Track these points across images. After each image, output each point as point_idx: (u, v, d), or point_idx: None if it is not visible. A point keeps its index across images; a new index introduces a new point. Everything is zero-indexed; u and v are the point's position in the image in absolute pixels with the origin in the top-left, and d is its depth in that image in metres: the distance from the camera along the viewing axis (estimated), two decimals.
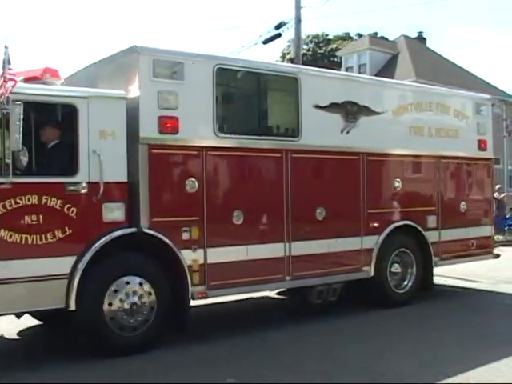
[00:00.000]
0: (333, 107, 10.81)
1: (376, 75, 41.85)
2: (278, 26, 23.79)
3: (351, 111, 11.07)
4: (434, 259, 12.35)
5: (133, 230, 8.63)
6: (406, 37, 47.16)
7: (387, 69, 42.41)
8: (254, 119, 10.44)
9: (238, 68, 10.04)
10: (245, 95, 10.73)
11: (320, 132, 10.66)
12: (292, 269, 10.19)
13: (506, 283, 14.81)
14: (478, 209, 13.57)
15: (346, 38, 64.53)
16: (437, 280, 13.15)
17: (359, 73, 42.83)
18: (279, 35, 23.87)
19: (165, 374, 7.62)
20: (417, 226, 12.01)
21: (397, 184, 11.76)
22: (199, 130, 9.34)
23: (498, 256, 13.94)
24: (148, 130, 8.76)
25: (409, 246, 12.03)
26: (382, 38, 51.16)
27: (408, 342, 9.20)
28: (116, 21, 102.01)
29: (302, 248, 10.30)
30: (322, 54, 62.46)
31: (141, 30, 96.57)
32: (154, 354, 8.44)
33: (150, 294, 8.68)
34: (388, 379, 7.33)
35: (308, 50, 61.16)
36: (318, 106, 10.62)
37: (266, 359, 8.32)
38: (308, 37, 61.83)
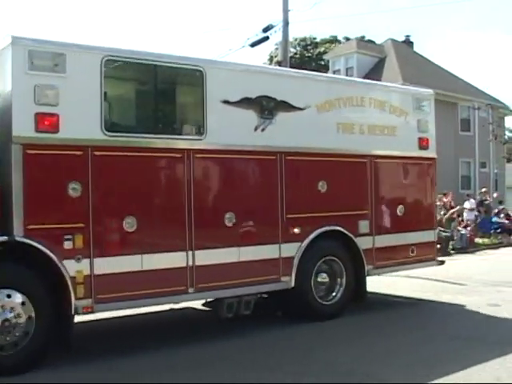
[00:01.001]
0: (245, 103, 9.81)
1: (363, 78, 41.24)
2: (266, 29, 23.62)
3: (267, 107, 10.05)
4: (367, 268, 11.39)
5: (4, 238, 7.78)
6: (394, 40, 46.58)
7: (374, 72, 41.79)
8: (149, 116, 9.57)
9: (131, 60, 8.98)
10: (140, 90, 9.82)
11: (229, 130, 9.70)
12: (196, 280, 9.22)
13: (490, 286, 14.98)
14: (419, 212, 12.62)
15: (334, 41, 64.02)
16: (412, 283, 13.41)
17: (346, 76, 42.21)
18: (267, 38, 23.71)
19: None
20: (346, 231, 11.06)
21: (322, 186, 10.79)
22: (84, 128, 8.37)
23: (442, 263, 13.16)
24: (22, 128, 7.88)
25: (338, 253, 11.11)
26: (370, 41, 50.72)
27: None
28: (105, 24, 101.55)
29: (207, 257, 9.33)
30: (310, 57, 61.99)
31: (129, 33, 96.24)
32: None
33: (25, 308, 7.89)
34: None
35: (296, 53, 60.65)
36: (227, 102, 9.63)
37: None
38: (296, 40, 61.39)
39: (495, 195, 31.31)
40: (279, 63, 23.47)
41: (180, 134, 9.39)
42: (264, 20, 53.29)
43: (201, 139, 9.39)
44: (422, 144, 12.53)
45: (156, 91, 9.43)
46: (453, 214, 26.71)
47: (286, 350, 9.06)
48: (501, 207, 30.53)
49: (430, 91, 13.56)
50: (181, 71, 9.57)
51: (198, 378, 7.61)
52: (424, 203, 12.83)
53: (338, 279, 11.13)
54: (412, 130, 12.36)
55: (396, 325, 10.88)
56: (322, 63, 52.79)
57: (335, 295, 11.10)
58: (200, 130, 9.43)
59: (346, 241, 11.13)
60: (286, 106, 10.31)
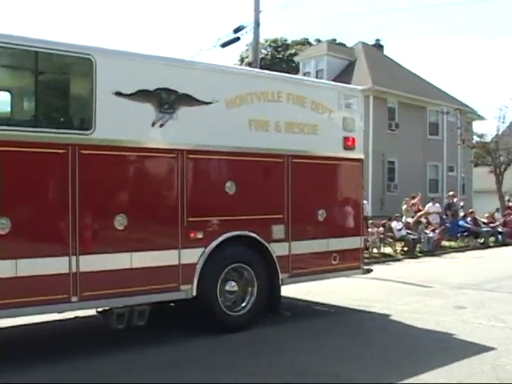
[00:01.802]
0: (141, 95, 8.95)
1: (333, 81, 40.77)
2: (237, 30, 23.51)
3: (167, 100, 9.19)
4: (282, 276, 10.58)
5: None
6: (364, 44, 46.31)
7: (344, 75, 41.39)
8: (27, 107, 8.77)
9: (8, 46, 8.04)
10: (20, 78, 8.97)
11: (122, 124, 8.87)
12: (80, 288, 8.39)
13: (457, 288, 15.22)
14: (343, 217, 11.90)
15: (305, 43, 63.74)
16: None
17: (317, 78, 41.79)
18: (238, 39, 23.51)
19: None
20: (258, 236, 10.25)
21: (230, 187, 9.95)
22: None
23: (369, 271, 12.55)
24: None
25: (248, 260, 10.26)
26: (340, 44, 50.26)
27: None
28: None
29: (94, 263, 8.49)
30: (281, 58, 61.69)
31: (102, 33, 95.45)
32: None
33: None
34: None
35: (266, 55, 60.43)
36: (120, 94, 8.78)
37: None
38: (267, 41, 61.16)
39: (455, 199, 30.95)
40: (250, 64, 23.28)
41: (64, 128, 8.48)
42: (238, 20, 52.62)
43: (88, 134, 8.55)
44: (348, 144, 11.75)
45: (38, 80, 8.41)
46: (420, 216, 26.44)
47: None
48: (469, 211, 30.27)
49: (359, 87, 12.90)
50: (67, 59, 8.66)
51: None
52: (349, 207, 12.04)
53: (249, 288, 10.32)
54: (336, 129, 11.59)
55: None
56: (293, 65, 52.22)
57: (245, 305, 10.28)
58: (88, 123, 8.58)
59: (259, 247, 10.33)
60: (190, 100, 9.48)
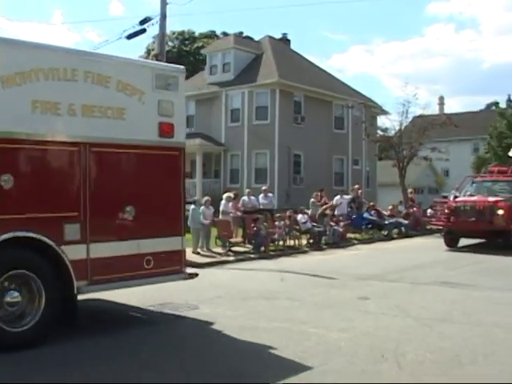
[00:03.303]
0: None
1: (240, 74, 40.82)
2: (143, 22, 23.03)
3: None
4: (79, 284, 9.04)
5: None
6: (271, 37, 46.39)
7: (251, 68, 41.50)
8: None
9: None
10: None
11: None
12: None
13: (361, 280, 15.42)
14: (158, 214, 10.30)
15: (212, 36, 63.58)
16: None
17: (223, 72, 41.68)
18: (144, 31, 23.05)
19: None
20: (44, 238, 8.71)
21: (7, 181, 8.43)
22: None
23: (193, 276, 10.98)
24: None
25: (33, 266, 8.68)
26: (247, 37, 50.12)
27: None
28: None
29: None
30: (188, 51, 61.34)
31: None
32: None
33: None
34: None
35: (174, 47, 59.95)
36: None
37: None
38: (174, 34, 60.73)
39: (360, 192, 31.45)
40: (156, 56, 22.84)
41: None
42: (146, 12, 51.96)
43: None
44: (164, 130, 10.28)
45: None
46: (325, 209, 26.70)
47: None
48: (371, 203, 30.75)
49: (180, 67, 11.15)
50: None
51: None
52: (166, 203, 10.50)
53: (37, 299, 8.77)
54: (150, 113, 10.11)
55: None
56: (200, 58, 51.90)
57: (31, 319, 8.69)
58: None
59: (47, 250, 8.81)
60: None
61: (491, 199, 22.57)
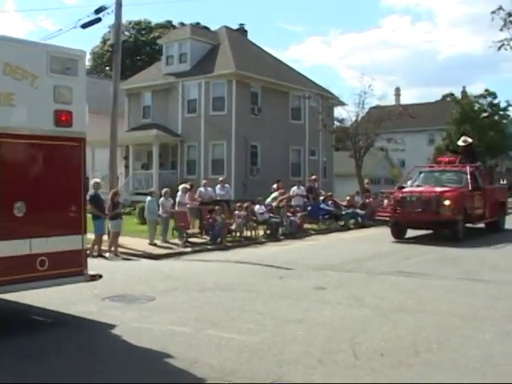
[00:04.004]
0: None
1: (197, 65, 40.58)
2: (98, 11, 22.44)
3: None
4: None
5: None
6: (228, 28, 46.13)
7: (208, 59, 41.19)
8: None
9: None
10: None
11: None
12: None
13: (317, 270, 15.47)
14: (54, 211, 9.48)
15: (169, 26, 63.21)
16: None
17: (180, 62, 41.40)
18: (99, 20, 22.41)
19: None
20: None
21: None
22: None
23: (95, 278, 10.17)
24: None
25: None
26: (204, 28, 49.92)
27: None
28: None
29: None
30: (144, 41, 60.90)
31: None
32: None
33: None
34: None
35: (130, 37, 59.46)
36: None
37: None
38: (130, 23, 60.22)
39: (316, 184, 31.59)
40: (112, 46, 22.55)
41: None
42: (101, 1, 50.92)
43: None
44: (62, 119, 9.38)
45: None
46: (282, 200, 26.69)
47: None
48: (328, 194, 30.86)
49: (81, 49, 10.19)
50: None
51: None
52: (64, 199, 9.67)
53: None
54: (44, 100, 9.23)
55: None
56: (156, 48, 51.52)
57: None
58: None
59: None
60: None
61: (438, 189, 22.31)
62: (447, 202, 21.46)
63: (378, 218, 25.41)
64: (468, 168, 23.57)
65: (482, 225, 24.57)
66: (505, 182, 29.96)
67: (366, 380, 7.14)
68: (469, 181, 22.86)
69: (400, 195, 22.79)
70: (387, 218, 23.30)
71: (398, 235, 22.91)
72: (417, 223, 22.54)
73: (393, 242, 22.03)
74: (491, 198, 24.67)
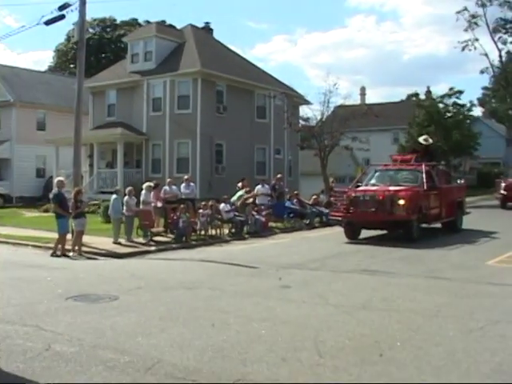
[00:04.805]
0: None
1: (162, 63, 40.38)
2: (62, 7, 22.15)
3: None
4: None
5: None
6: (193, 26, 46.06)
7: (173, 57, 41.05)
8: None
9: None
10: None
11: None
12: None
13: (282, 268, 15.44)
14: None
15: (134, 24, 62.81)
16: None
17: (145, 60, 41.16)
18: (63, 17, 22.08)
19: None
20: None
21: None
22: None
23: None
24: None
25: None
26: (170, 26, 49.73)
27: None
28: None
29: None
30: (109, 39, 60.40)
31: None
32: None
33: None
34: None
35: (94, 34, 58.92)
36: None
37: None
38: (95, 20, 59.67)
39: (282, 182, 31.66)
40: (76, 43, 22.35)
41: None
42: None
43: None
44: None
45: None
46: (247, 198, 26.68)
47: None
48: (294, 192, 30.92)
49: None
50: None
51: None
52: None
53: None
54: None
55: None
56: (121, 46, 51.16)
57: None
58: None
59: None
60: None
61: (392, 189, 21.63)
62: (401, 202, 20.79)
63: (331, 218, 25.20)
64: (424, 167, 23.02)
65: (438, 225, 24.09)
66: (462, 181, 29.84)
67: (328, 378, 7.13)
68: (424, 180, 22.33)
69: (353, 194, 22.16)
70: (340, 218, 22.72)
71: (352, 236, 22.29)
72: (370, 223, 21.92)
73: (358, 241, 21.98)
74: (448, 198, 24.18)
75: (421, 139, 27.85)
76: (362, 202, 21.58)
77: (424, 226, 22.50)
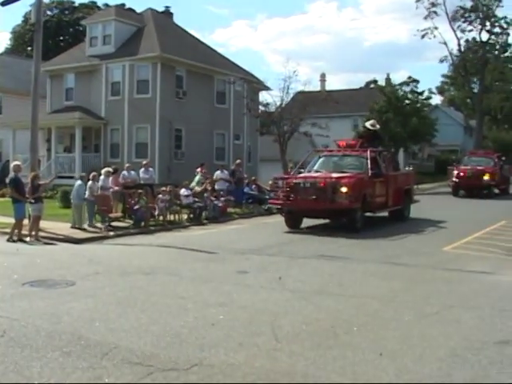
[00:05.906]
0: None
1: (121, 47, 39.99)
2: None
3: None
4: None
5: None
6: (153, 10, 45.66)
7: (132, 41, 40.66)
8: None
9: None
10: None
11: None
12: None
13: (240, 254, 15.58)
14: None
15: (93, 7, 62.14)
16: None
17: (104, 44, 40.72)
18: None
19: None
20: None
21: None
22: None
23: None
24: None
25: None
26: (129, 9, 49.19)
27: None
28: None
29: None
30: (67, 21, 59.67)
31: None
32: None
33: None
34: None
35: (52, 17, 58.15)
36: None
37: None
38: (53, 2, 58.89)
39: (241, 168, 31.70)
40: (33, 25, 21.98)
41: None
42: None
43: None
44: None
45: None
46: (206, 184, 26.65)
47: None
48: (252, 178, 30.96)
49: None
50: None
51: None
52: None
53: None
54: None
55: None
56: (80, 29, 50.56)
57: None
58: None
59: None
60: None
61: (334, 175, 20.59)
62: (344, 189, 19.75)
63: (269, 205, 24.58)
64: (369, 153, 22.06)
65: (385, 213, 23.49)
66: (411, 168, 29.36)
67: (284, 362, 7.20)
68: (369, 166, 21.40)
69: (293, 181, 21.07)
70: (279, 206, 21.96)
71: (293, 225, 21.37)
72: (311, 212, 20.89)
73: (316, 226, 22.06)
74: (395, 185, 23.24)
75: (367, 124, 27.01)
76: (303, 190, 20.59)
77: (369, 214, 21.96)
